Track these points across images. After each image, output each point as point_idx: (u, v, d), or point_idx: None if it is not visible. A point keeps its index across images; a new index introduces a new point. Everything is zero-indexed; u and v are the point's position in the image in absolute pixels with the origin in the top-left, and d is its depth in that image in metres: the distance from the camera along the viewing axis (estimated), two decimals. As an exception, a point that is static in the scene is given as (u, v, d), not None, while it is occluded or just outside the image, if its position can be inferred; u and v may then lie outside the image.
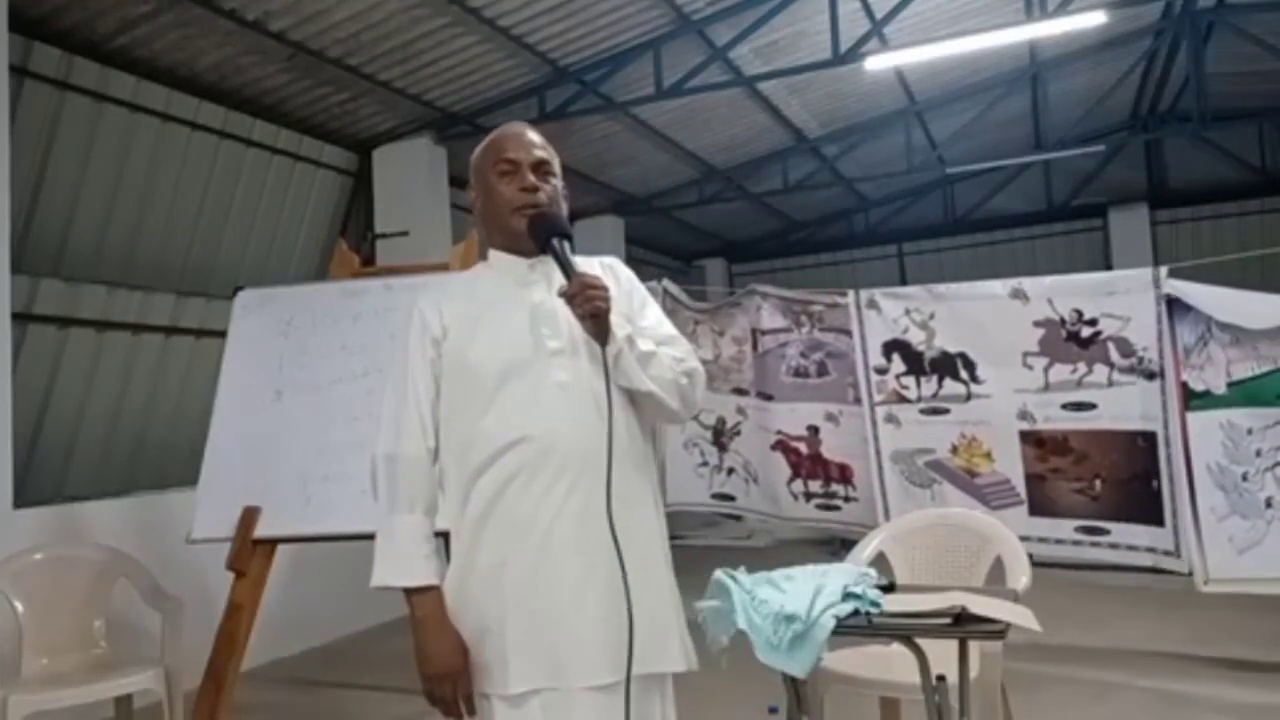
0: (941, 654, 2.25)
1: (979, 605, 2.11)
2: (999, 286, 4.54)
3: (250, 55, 5.83)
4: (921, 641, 2.21)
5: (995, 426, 4.54)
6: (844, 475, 5.05)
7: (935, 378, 4.67)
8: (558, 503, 1.67)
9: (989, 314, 4.52)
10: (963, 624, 2.09)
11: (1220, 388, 4.06)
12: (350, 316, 3.88)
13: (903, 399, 4.75)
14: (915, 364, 4.72)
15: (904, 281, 11.81)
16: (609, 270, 1.86)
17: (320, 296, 4.01)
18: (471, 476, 1.70)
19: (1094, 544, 4.37)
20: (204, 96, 6.10)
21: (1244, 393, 4.03)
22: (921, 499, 4.65)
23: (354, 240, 6.83)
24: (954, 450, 4.65)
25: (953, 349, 4.62)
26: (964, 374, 4.61)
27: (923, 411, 4.71)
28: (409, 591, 1.69)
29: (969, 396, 4.59)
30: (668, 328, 1.85)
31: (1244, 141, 10.69)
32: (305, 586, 5.05)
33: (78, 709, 3.35)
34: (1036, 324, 4.41)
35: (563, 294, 1.67)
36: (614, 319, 1.67)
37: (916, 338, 4.70)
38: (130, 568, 3.69)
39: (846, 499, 5.06)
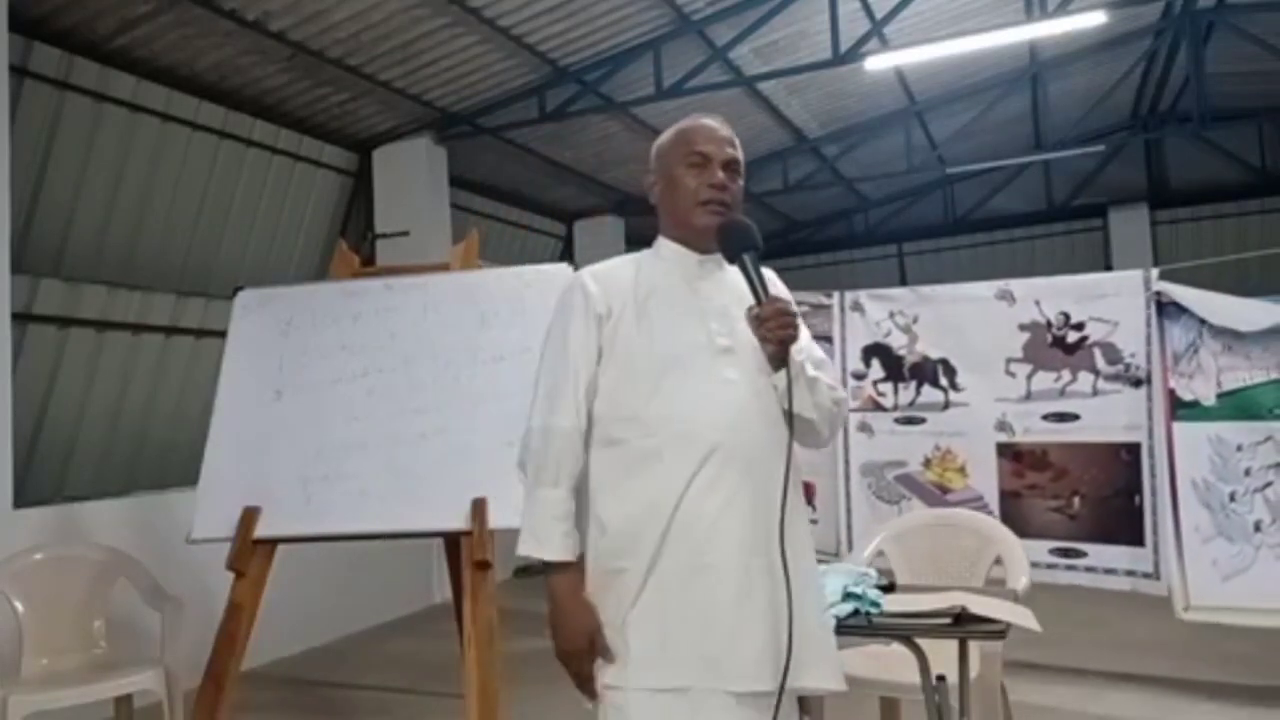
0: (941, 654, 2.25)
1: (979, 605, 2.11)
2: (986, 288, 4.47)
3: (250, 55, 5.83)
4: (921, 641, 2.21)
5: (972, 438, 4.42)
6: (806, 494, 4.92)
7: (914, 384, 4.57)
8: (724, 500, 1.65)
9: (974, 317, 4.43)
10: (963, 624, 2.09)
11: (1210, 398, 3.91)
12: (350, 316, 3.88)
13: (878, 406, 4.63)
14: (894, 369, 4.62)
15: (904, 282, 11.82)
16: (772, 285, 1.82)
17: (320, 296, 4.00)
18: (632, 461, 1.69)
19: (1069, 567, 4.19)
20: (204, 96, 6.11)
21: (1235, 404, 3.88)
22: (887, 516, 4.44)
23: (354, 240, 6.84)
24: (926, 463, 4.53)
25: (934, 354, 4.52)
26: (944, 380, 4.50)
27: (898, 420, 4.60)
28: (546, 566, 1.70)
29: (947, 405, 4.49)
30: (818, 352, 1.84)
31: (1244, 141, 10.69)
32: (305, 586, 5.04)
33: (78, 709, 3.34)
34: (1022, 327, 4.33)
35: (753, 315, 1.65)
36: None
37: (898, 341, 4.61)
38: (130, 568, 3.69)
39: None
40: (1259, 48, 8.12)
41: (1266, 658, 4.20)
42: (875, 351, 4.68)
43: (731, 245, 1.72)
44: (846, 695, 2.66)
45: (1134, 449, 4.12)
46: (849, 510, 4.66)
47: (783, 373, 1.66)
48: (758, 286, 1.67)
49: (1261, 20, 7.91)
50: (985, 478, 4.40)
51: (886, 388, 4.65)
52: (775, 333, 1.63)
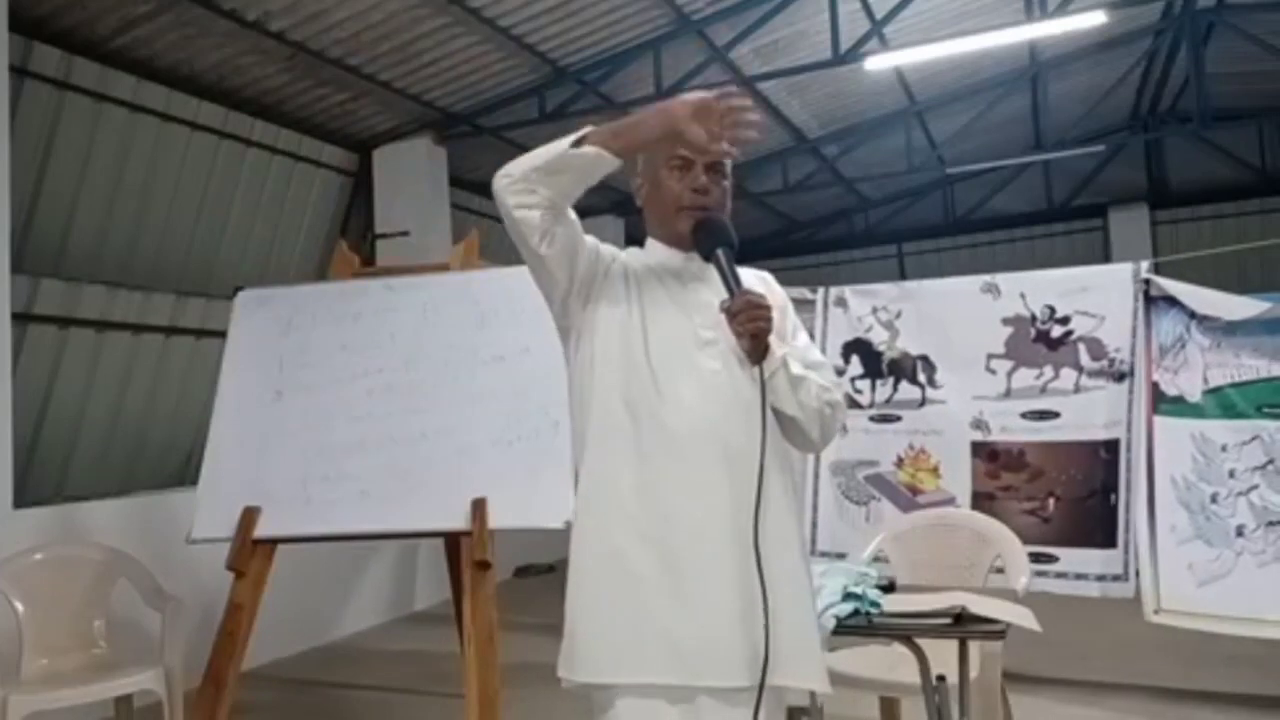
0: (941, 654, 2.25)
1: (979, 605, 2.11)
2: (972, 281, 4.42)
3: (250, 55, 5.83)
4: (921, 641, 2.21)
5: (947, 436, 4.34)
6: None
7: (891, 381, 4.51)
8: (702, 491, 1.65)
9: (958, 312, 4.38)
10: (963, 624, 2.09)
11: (1195, 394, 3.80)
12: (350, 316, 3.88)
13: (854, 404, 4.55)
14: (873, 366, 4.57)
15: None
16: (763, 284, 1.83)
17: (320, 296, 4.00)
18: (615, 452, 1.68)
19: (1039, 573, 3.96)
20: (204, 96, 6.11)
21: (1221, 402, 3.76)
22: (855, 518, 4.43)
23: (354, 240, 6.84)
24: (899, 463, 4.44)
25: (914, 350, 4.47)
26: (921, 377, 4.44)
27: (873, 419, 4.53)
28: (586, 139, 1.61)
29: (923, 402, 4.42)
30: (815, 354, 1.83)
31: (1244, 141, 10.69)
32: (305, 586, 5.05)
33: (78, 709, 3.34)
34: (1005, 321, 4.27)
35: (725, 309, 1.66)
36: (771, 339, 1.66)
37: (879, 337, 4.56)
38: (130, 568, 3.69)
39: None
40: (1259, 48, 8.11)
41: (1270, 661, 4.13)
42: (855, 348, 4.63)
43: (706, 242, 1.73)
44: (847, 695, 2.67)
45: (1113, 446, 4.03)
46: (815, 509, 4.59)
47: (766, 365, 1.66)
48: (730, 281, 1.68)
49: (1261, 20, 7.91)
50: (958, 478, 4.32)
51: (864, 384, 4.59)
52: (746, 325, 1.63)
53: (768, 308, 1.65)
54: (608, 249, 1.81)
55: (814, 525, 4.57)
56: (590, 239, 1.78)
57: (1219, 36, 8.42)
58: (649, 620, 1.62)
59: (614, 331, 1.72)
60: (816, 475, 4.60)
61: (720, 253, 1.71)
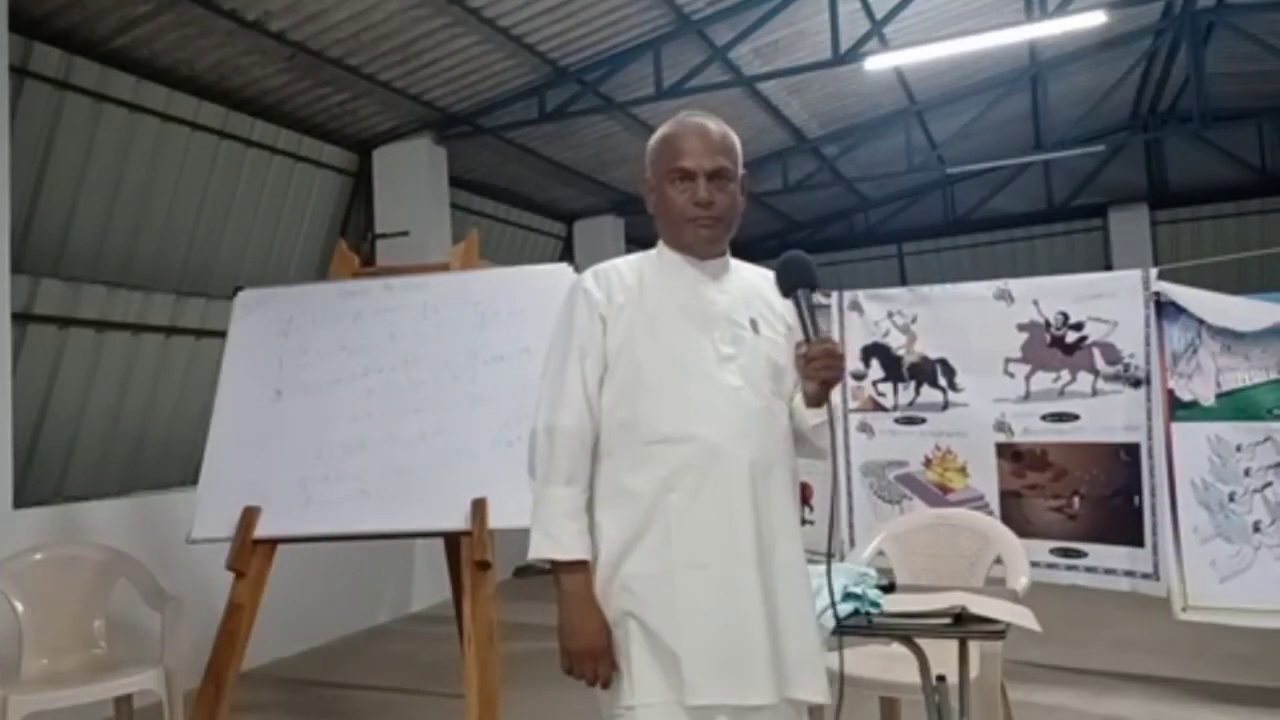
0: (941, 654, 2.25)
1: (979, 605, 2.11)
2: (985, 288, 4.48)
3: (250, 55, 5.83)
4: (921, 641, 2.21)
5: (971, 438, 4.43)
6: (803, 496, 4.88)
7: (913, 384, 4.58)
8: (733, 508, 1.65)
9: (973, 317, 4.44)
10: (963, 624, 2.09)
11: (1209, 399, 3.91)
12: (350, 316, 3.88)
13: (878, 407, 4.63)
14: (893, 369, 4.63)
15: (904, 282, 11.81)
16: (768, 283, 1.80)
17: (320, 296, 4.00)
18: (633, 469, 1.68)
19: (1069, 567, 4.20)
20: (204, 96, 6.11)
21: (1234, 405, 3.87)
22: (889, 516, 4.49)
23: (354, 240, 6.84)
24: (927, 463, 4.53)
25: (933, 354, 4.53)
26: (942, 380, 4.51)
27: (898, 421, 4.60)
28: (558, 565, 1.66)
29: (946, 405, 4.49)
30: None
31: (1244, 141, 10.69)
32: (305, 586, 5.04)
33: (78, 709, 3.34)
34: (1020, 327, 4.33)
35: (800, 353, 1.65)
36: None
37: (897, 341, 4.62)
38: (130, 568, 3.69)
39: (801, 521, 4.84)
40: (1259, 48, 8.11)
41: (1267, 659, 4.21)
42: (874, 351, 4.68)
43: (788, 280, 1.71)
44: (847, 695, 2.66)
45: (1133, 449, 4.12)
46: (850, 510, 4.67)
47: (823, 409, 1.68)
48: (808, 324, 1.65)
49: (1261, 20, 7.91)
50: (985, 478, 4.41)
51: (886, 388, 4.65)
52: (820, 373, 1.62)
53: (842, 356, 1.65)
54: (600, 288, 1.76)
55: (850, 526, 4.63)
56: (585, 302, 1.75)
57: (1219, 36, 8.42)
58: (675, 635, 1.62)
59: (627, 358, 1.71)
60: (849, 478, 4.67)
61: (801, 294, 1.68)
